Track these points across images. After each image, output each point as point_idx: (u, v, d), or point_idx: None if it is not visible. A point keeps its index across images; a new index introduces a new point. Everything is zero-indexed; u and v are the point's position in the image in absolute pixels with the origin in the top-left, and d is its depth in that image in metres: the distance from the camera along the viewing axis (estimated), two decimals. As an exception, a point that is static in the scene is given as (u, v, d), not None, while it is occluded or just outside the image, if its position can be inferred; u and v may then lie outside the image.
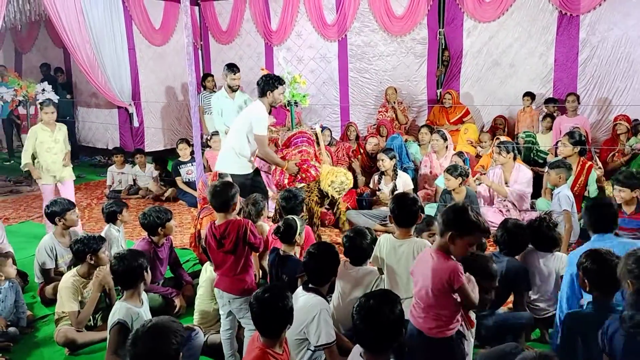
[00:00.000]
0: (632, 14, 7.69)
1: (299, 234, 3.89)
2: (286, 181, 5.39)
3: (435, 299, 2.60)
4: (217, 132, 7.99)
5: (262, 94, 5.21)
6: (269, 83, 5.18)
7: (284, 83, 5.34)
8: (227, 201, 3.26)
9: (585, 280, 2.72)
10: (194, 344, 3.46)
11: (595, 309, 2.71)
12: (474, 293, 2.72)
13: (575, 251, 3.37)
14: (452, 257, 2.63)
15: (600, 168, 6.39)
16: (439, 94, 9.37)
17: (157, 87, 10.49)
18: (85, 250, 4.04)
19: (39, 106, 6.05)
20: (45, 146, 6.00)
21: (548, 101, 8.28)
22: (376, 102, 9.58)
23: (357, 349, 2.52)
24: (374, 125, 8.91)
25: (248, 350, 2.73)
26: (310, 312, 2.99)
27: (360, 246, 3.52)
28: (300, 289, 3.18)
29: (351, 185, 5.70)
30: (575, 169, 5.67)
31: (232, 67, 6.54)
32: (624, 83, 7.86)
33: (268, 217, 5.32)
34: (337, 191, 5.47)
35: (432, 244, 3.10)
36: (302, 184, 5.36)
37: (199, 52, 11.08)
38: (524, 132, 7.42)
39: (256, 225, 4.07)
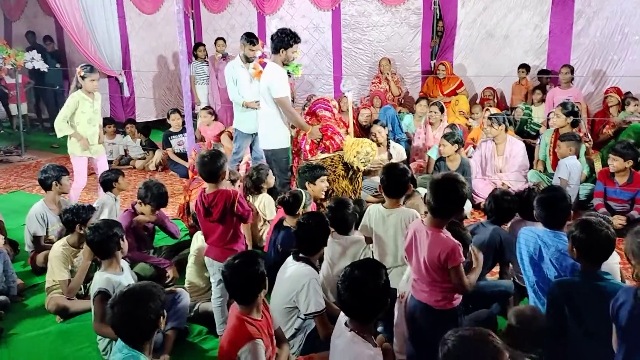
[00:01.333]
0: (628, -15, 7.62)
1: (304, 207, 3.90)
2: (307, 147, 5.16)
3: (436, 274, 2.60)
4: (206, 107, 7.92)
5: (275, 50, 4.93)
6: (283, 40, 4.87)
7: (300, 41, 5.03)
8: (214, 171, 3.24)
9: (574, 249, 2.74)
10: (179, 307, 3.50)
11: (583, 278, 2.73)
12: (474, 275, 2.75)
13: (524, 228, 3.36)
14: (448, 234, 2.62)
15: (589, 141, 6.40)
16: (433, 65, 9.31)
17: (147, 57, 10.36)
18: (74, 220, 4.02)
19: (80, 72, 5.51)
20: (87, 117, 5.60)
21: (541, 73, 8.25)
22: (370, 73, 9.51)
23: (342, 318, 2.55)
24: (367, 96, 8.86)
25: (229, 319, 2.76)
26: (300, 281, 3.00)
27: (343, 216, 3.53)
28: (290, 258, 3.19)
29: (376, 156, 5.36)
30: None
31: (251, 39, 6.01)
32: (618, 55, 7.82)
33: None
34: (362, 162, 5.11)
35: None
36: (325, 155, 5.09)
37: (190, 20, 10.91)
38: (523, 104, 7.41)
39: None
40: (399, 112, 8.15)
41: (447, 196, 2.55)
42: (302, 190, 4.03)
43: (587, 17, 7.98)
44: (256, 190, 4.79)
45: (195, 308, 3.73)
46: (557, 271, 3.02)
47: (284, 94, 4.91)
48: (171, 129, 7.84)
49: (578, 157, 5.47)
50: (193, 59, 9.46)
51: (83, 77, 5.52)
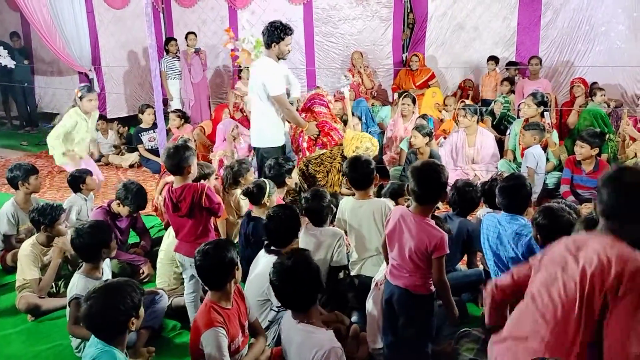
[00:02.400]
0: (593, -24, 7.77)
1: (269, 196, 3.91)
2: (305, 145, 5.09)
3: (419, 261, 2.64)
4: (175, 110, 7.85)
5: (268, 45, 4.71)
6: (274, 34, 4.64)
7: (292, 32, 4.76)
8: (179, 163, 3.21)
9: (538, 236, 2.81)
10: (157, 308, 3.50)
11: None
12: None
13: (487, 215, 3.44)
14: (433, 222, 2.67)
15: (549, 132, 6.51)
16: (404, 58, 9.37)
17: (118, 52, 10.20)
18: (40, 220, 3.96)
19: (77, 92, 5.33)
20: (80, 136, 5.46)
21: (509, 64, 8.37)
22: (342, 66, 9.52)
23: (289, 313, 2.61)
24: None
25: (200, 307, 2.79)
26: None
27: (318, 208, 3.55)
28: (262, 251, 3.20)
29: (376, 152, 5.32)
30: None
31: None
32: (585, 46, 7.96)
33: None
34: None
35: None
36: (324, 150, 5.05)
37: (161, 15, 10.78)
38: (503, 96, 7.51)
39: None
40: (372, 105, 8.20)
41: (430, 182, 2.60)
42: (265, 180, 4.03)
43: (554, 9, 8.11)
44: (235, 184, 4.78)
45: (169, 303, 3.72)
46: (514, 252, 3.09)
47: (280, 90, 4.72)
48: (142, 125, 7.75)
49: (546, 148, 5.58)
50: (164, 53, 9.37)
51: (81, 98, 5.38)
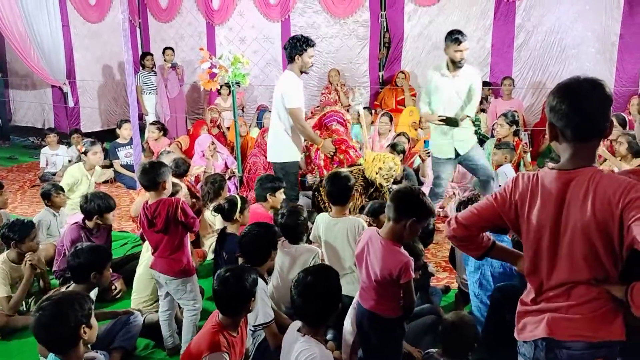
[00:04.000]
0: (564, 0, 7.99)
1: (241, 212, 3.89)
2: (321, 162, 4.95)
3: (385, 285, 2.62)
4: (154, 121, 7.79)
5: (291, 59, 4.64)
6: (296, 46, 4.57)
7: (315, 44, 4.71)
8: (154, 179, 3.19)
9: None
10: (131, 327, 3.43)
11: (521, 281, 2.83)
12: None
13: None
14: (402, 248, 2.63)
15: (528, 151, 6.63)
16: (381, 77, 9.49)
17: (93, 66, 10.13)
18: (10, 237, 3.87)
19: (81, 148, 5.21)
20: (81, 192, 5.28)
21: (483, 84, 8.49)
22: (319, 83, 9.59)
23: (294, 325, 2.58)
24: (318, 106, 8.92)
25: (206, 323, 2.72)
26: None
27: (293, 225, 3.54)
28: None
29: (399, 171, 5.12)
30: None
31: (456, 36, 5.18)
32: (557, 67, 8.19)
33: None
34: (385, 179, 4.85)
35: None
36: (345, 169, 4.68)
37: (137, 30, 10.75)
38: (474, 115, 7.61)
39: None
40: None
41: (402, 205, 2.56)
42: (237, 196, 4.01)
43: (527, 31, 8.32)
44: (215, 198, 4.74)
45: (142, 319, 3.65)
46: (502, 266, 3.10)
47: (298, 104, 4.64)
48: (118, 140, 7.67)
49: (518, 166, 5.68)
50: (140, 68, 9.32)
51: (85, 153, 5.26)
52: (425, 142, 6.58)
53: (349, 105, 9.07)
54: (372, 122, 8.13)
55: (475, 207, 2.03)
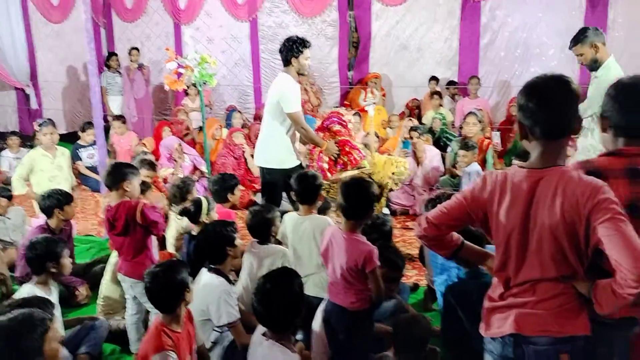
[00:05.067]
0: (528, 0, 8.12)
1: (207, 214, 3.84)
2: (326, 166, 4.76)
3: (352, 278, 2.66)
4: (119, 116, 7.66)
5: (287, 62, 4.47)
6: (292, 48, 4.40)
7: (310, 45, 4.53)
8: (116, 179, 3.16)
9: None
10: (96, 333, 3.37)
11: (469, 278, 2.87)
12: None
13: None
14: (364, 238, 2.69)
15: (497, 150, 6.73)
16: (350, 76, 9.51)
17: (56, 67, 9.92)
18: None
19: (36, 127, 5.11)
20: (47, 175, 5.16)
21: (449, 84, 8.64)
22: (288, 84, 9.55)
23: (260, 328, 2.56)
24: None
25: (149, 327, 2.71)
26: (211, 292, 2.99)
27: (259, 224, 3.51)
28: (204, 269, 3.14)
29: (407, 175, 5.17)
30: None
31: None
32: (522, 66, 8.32)
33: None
34: (395, 182, 4.87)
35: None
36: (346, 174, 4.63)
37: (102, 30, 10.54)
38: (438, 113, 7.70)
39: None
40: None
41: (357, 197, 2.65)
42: (204, 197, 3.96)
43: (493, 31, 8.44)
44: (182, 201, 4.66)
45: (107, 327, 3.57)
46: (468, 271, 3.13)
47: (297, 108, 4.48)
48: (79, 142, 7.49)
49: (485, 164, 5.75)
50: (105, 69, 9.16)
51: (37, 131, 5.12)
52: (404, 142, 6.59)
53: (318, 105, 9.10)
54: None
55: (445, 206, 2.03)
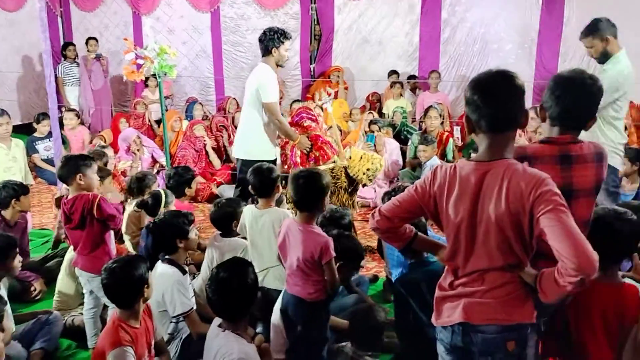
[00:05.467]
0: (486, -4, 8.30)
1: (165, 207, 3.82)
2: (298, 160, 4.79)
3: (309, 269, 2.69)
4: (70, 109, 7.49)
5: (267, 52, 4.46)
6: (274, 38, 4.41)
7: (291, 37, 4.59)
8: (69, 172, 3.12)
9: None
10: (51, 328, 3.32)
11: (414, 268, 2.95)
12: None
13: None
14: (320, 230, 2.72)
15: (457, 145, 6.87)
16: (312, 69, 9.53)
17: (11, 58, 9.61)
18: None
19: None
20: (2, 166, 5.04)
21: (410, 77, 8.75)
22: (250, 76, 9.50)
23: (216, 320, 2.57)
24: (249, 99, 8.86)
25: (107, 323, 2.68)
26: (165, 283, 2.99)
27: (221, 217, 3.54)
28: (159, 261, 3.13)
29: (381, 170, 5.15)
30: (436, 140, 6.13)
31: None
32: (480, 61, 8.45)
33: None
34: (369, 178, 4.87)
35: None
36: (323, 166, 4.64)
37: (59, 19, 10.27)
38: (400, 107, 7.79)
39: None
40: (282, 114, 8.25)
41: (307, 188, 2.69)
42: (162, 190, 3.94)
43: (452, 26, 8.57)
44: (139, 194, 4.61)
45: (64, 321, 3.52)
46: None
47: (274, 98, 4.48)
48: (35, 134, 7.30)
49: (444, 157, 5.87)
50: (62, 59, 8.93)
51: None
52: (369, 136, 6.62)
53: (282, 97, 9.08)
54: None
55: (397, 199, 2.07)
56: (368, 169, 4.80)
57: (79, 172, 3.12)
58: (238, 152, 4.76)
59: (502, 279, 1.88)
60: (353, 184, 4.93)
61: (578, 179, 2.12)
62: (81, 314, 3.48)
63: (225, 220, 3.54)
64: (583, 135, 2.22)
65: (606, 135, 3.80)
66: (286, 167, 5.07)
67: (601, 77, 3.85)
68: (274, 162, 4.55)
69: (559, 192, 1.76)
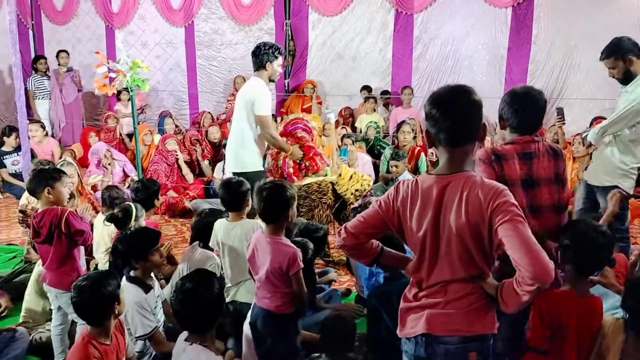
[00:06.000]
0: (457, 14, 8.49)
1: (136, 221, 3.77)
2: (291, 170, 4.76)
3: (277, 281, 2.69)
4: (36, 120, 7.39)
5: (260, 66, 4.44)
6: (269, 53, 4.41)
7: (283, 53, 4.62)
8: (38, 185, 3.08)
9: None
10: (16, 345, 3.25)
11: (388, 281, 2.98)
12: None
13: None
14: (288, 241, 2.73)
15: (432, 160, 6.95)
16: (287, 84, 9.57)
17: (-20, 70, 9.47)
18: None
19: None
20: None
21: (383, 93, 8.87)
22: (225, 90, 9.53)
23: (182, 335, 2.54)
24: (224, 113, 8.87)
25: (76, 338, 2.63)
26: (128, 302, 2.91)
27: (203, 229, 3.53)
28: (124, 278, 3.07)
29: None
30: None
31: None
32: (452, 77, 8.62)
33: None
34: (356, 198, 4.79)
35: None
36: (309, 181, 4.70)
37: (30, 32, 10.15)
38: (373, 122, 7.86)
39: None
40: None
41: (271, 200, 2.71)
42: (132, 204, 3.90)
43: (424, 43, 8.74)
44: (111, 207, 4.55)
45: (31, 338, 3.44)
46: None
47: (268, 112, 4.46)
48: (3, 148, 7.16)
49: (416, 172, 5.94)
50: (33, 72, 8.82)
51: None
52: (342, 150, 6.64)
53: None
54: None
55: (362, 215, 2.09)
56: (357, 190, 4.81)
57: (48, 186, 3.07)
58: (232, 167, 4.70)
59: (464, 290, 1.91)
60: (338, 200, 4.93)
61: (538, 171, 2.51)
62: (49, 330, 3.40)
63: (206, 230, 3.52)
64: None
65: (620, 157, 3.78)
66: (277, 177, 5.07)
67: (624, 99, 3.78)
68: (262, 173, 4.61)
69: (516, 202, 1.81)
